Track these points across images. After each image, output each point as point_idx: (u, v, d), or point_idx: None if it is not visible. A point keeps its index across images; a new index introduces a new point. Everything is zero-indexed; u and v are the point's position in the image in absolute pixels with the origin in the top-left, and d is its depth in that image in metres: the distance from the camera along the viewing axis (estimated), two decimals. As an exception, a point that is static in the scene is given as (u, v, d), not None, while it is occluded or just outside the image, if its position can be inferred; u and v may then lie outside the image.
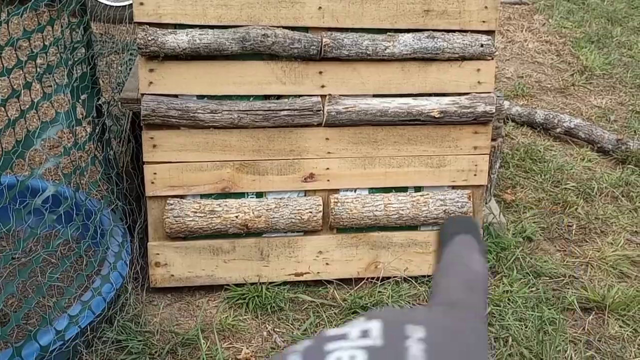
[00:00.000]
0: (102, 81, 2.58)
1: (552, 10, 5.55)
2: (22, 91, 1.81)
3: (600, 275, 2.57)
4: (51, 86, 2.03)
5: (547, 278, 2.53)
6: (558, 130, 3.58)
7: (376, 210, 2.36)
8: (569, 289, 2.48)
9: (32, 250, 2.06)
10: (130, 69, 2.82)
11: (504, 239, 2.65)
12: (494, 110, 2.35)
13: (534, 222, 2.83)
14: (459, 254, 1.01)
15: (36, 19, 1.93)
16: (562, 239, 2.79)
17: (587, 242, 2.78)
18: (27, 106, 1.86)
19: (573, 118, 3.63)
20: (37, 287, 1.91)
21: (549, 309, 2.34)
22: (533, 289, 2.45)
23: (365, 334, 0.72)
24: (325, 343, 0.71)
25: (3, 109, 1.79)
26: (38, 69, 1.87)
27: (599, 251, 2.68)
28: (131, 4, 4.45)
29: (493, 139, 2.56)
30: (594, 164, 3.34)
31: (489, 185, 2.71)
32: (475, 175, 2.43)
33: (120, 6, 4.38)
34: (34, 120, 1.97)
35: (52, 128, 1.92)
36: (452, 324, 0.78)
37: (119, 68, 3.42)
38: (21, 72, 1.83)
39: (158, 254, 2.29)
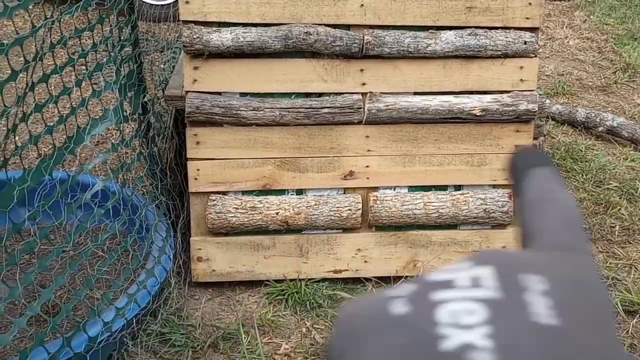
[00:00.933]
0: (146, 79, 2.63)
1: (594, 6, 5.44)
2: (73, 88, 1.86)
3: (644, 277, 2.52)
4: (98, 84, 2.08)
5: (590, 279, 2.49)
6: (600, 129, 3.52)
7: (415, 209, 2.36)
8: (612, 291, 2.44)
9: (81, 244, 2.12)
10: (174, 67, 2.87)
11: (545, 239, 2.61)
12: (536, 109, 2.32)
13: (575, 223, 2.78)
14: (546, 189, 0.87)
15: (86, 18, 1.98)
16: (605, 240, 2.74)
17: (630, 243, 2.72)
18: (77, 103, 1.91)
19: (615, 117, 3.55)
20: (86, 280, 1.96)
21: (592, 311, 2.30)
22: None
23: (476, 282, 0.62)
24: (430, 290, 0.63)
25: (55, 105, 1.84)
26: (88, 67, 1.92)
27: (643, 253, 2.63)
28: (173, 3, 4.53)
29: (534, 138, 2.52)
30: (638, 164, 3.27)
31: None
32: (516, 174, 2.39)
33: (163, 5, 4.46)
34: (83, 116, 2.01)
35: (101, 125, 1.97)
36: (573, 272, 0.66)
37: (162, 66, 3.48)
38: (72, 69, 1.88)
39: (200, 249, 2.33)
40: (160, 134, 2.48)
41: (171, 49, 3.47)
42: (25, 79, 1.57)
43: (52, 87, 1.83)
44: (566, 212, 0.83)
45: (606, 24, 5.08)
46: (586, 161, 3.25)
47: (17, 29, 1.46)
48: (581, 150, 3.35)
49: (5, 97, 1.49)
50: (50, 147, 1.79)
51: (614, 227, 2.80)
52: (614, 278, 2.50)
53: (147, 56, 3.54)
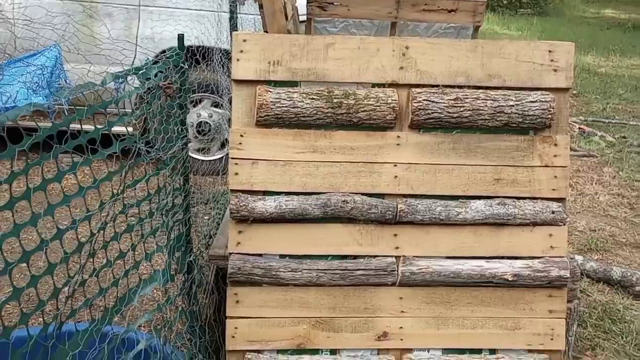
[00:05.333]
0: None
1: (622, 162, 5.60)
2: (129, 253, 2.02)
3: None
4: (149, 247, 2.24)
5: None
6: (637, 288, 3.50)
7: (450, 373, 2.35)
8: None
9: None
10: (218, 222, 3.05)
11: (586, 408, 2.53)
12: (568, 275, 2.38)
13: (618, 390, 2.70)
14: None
15: (146, 187, 2.19)
16: (651, 410, 2.63)
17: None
18: (130, 265, 2.06)
19: (652, 276, 3.54)
20: None
21: None
22: None
23: None
24: None
25: (110, 269, 1.98)
26: (143, 232, 2.09)
27: None
28: (219, 159, 4.87)
29: (569, 301, 2.55)
30: (679, 327, 3.21)
31: (566, 349, 2.65)
32: (552, 339, 2.40)
33: (211, 160, 4.83)
34: (133, 278, 2.15)
35: (150, 285, 2.10)
36: None
37: (205, 218, 3.69)
38: (128, 236, 2.05)
39: (234, 408, 2.34)
40: (202, 289, 2.60)
41: (217, 201, 3.69)
42: (88, 247, 1.73)
43: (109, 251, 1.98)
44: None
45: (636, 181, 5.21)
46: (625, 322, 3.20)
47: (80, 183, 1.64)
48: (619, 311, 3.31)
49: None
50: (101, 308, 1.91)
51: (659, 396, 2.70)
52: None
53: (192, 208, 3.77)
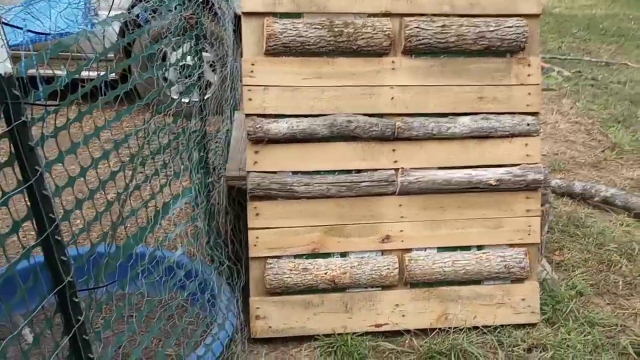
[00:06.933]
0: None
1: (578, 94, 6.04)
2: (160, 173, 2.27)
3: (649, 324, 2.83)
4: (173, 167, 2.49)
5: (601, 327, 2.80)
6: (596, 199, 3.93)
7: (445, 267, 2.71)
8: (622, 336, 2.75)
9: (163, 304, 2.43)
10: (220, 154, 3.29)
11: (557, 293, 2.95)
12: (542, 178, 2.74)
13: (583, 279, 3.13)
14: None
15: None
16: (610, 293, 3.07)
17: (633, 295, 3.06)
18: (163, 182, 2.31)
19: (609, 188, 3.98)
20: (173, 329, 2.28)
21: (605, 353, 2.61)
22: (589, 336, 2.72)
23: None
24: None
25: (138, 190, 2.22)
26: (172, 156, 2.34)
27: (646, 303, 2.96)
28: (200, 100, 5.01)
29: (541, 204, 2.93)
30: (633, 229, 3.66)
31: (540, 247, 3.05)
32: (529, 234, 2.78)
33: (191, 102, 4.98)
34: (164, 197, 2.40)
35: (180, 200, 2.36)
36: None
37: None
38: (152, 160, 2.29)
39: (258, 307, 2.65)
40: (219, 210, 2.87)
41: (215, 136, 3.90)
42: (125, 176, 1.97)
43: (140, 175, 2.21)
44: None
45: (591, 110, 5.65)
46: (587, 227, 3.63)
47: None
48: (581, 218, 3.74)
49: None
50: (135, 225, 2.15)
51: (617, 282, 3.14)
52: (622, 325, 2.82)
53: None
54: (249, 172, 2.61)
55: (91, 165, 1.73)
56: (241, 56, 2.61)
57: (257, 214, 2.63)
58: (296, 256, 2.68)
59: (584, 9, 11.24)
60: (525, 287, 2.78)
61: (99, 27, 1.74)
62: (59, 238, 1.48)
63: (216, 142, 3.72)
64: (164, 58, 3.19)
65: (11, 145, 1.34)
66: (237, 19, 3.92)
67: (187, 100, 2.62)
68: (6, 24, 1.22)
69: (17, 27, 1.39)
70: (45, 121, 1.42)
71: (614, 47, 8.34)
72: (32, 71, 1.41)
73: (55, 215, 1.46)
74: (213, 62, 5.00)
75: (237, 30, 3.71)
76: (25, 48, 1.55)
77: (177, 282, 2.30)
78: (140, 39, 2.03)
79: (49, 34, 1.67)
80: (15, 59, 1.31)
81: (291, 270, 2.63)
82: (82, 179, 1.70)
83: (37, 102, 1.33)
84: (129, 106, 1.90)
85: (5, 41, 1.21)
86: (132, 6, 5.03)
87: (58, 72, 1.51)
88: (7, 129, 1.30)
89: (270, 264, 2.64)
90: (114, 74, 3.96)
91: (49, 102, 1.37)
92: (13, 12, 1.74)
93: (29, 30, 1.59)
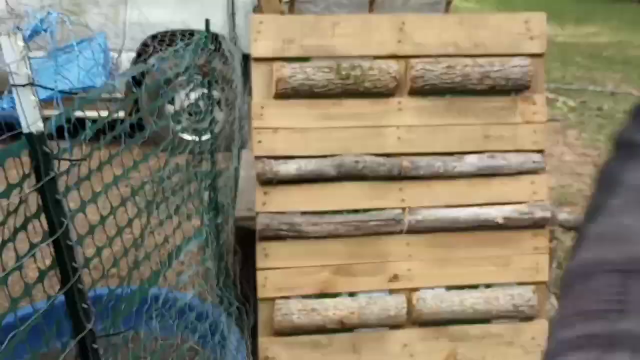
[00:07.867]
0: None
1: (584, 125, 6.07)
2: (172, 217, 2.30)
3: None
4: (184, 211, 2.52)
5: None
6: (604, 233, 3.92)
7: (453, 306, 2.71)
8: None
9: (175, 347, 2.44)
10: (226, 195, 3.33)
11: (568, 331, 2.93)
12: (549, 216, 2.75)
13: (593, 316, 3.11)
14: None
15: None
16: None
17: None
18: (174, 226, 2.34)
19: (617, 221, 3.98)
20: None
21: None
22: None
23: None
24: None
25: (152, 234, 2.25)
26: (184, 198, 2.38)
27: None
28: (208, 139, 5.07)
29: (550, 240, 2.93)
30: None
31: (548, 283, 3.04)
32: (537, 272, 2.78)
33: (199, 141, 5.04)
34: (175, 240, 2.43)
35: (192, 242, 2.39)
36: None
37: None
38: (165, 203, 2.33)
39: (267, 348, 2.65)
40: (228, 250, 2.89)
41: (220, 176, 3.95)
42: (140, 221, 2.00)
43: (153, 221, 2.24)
44: None
45: (597, 141, 5.67)
46: (596, 262, 3.62)
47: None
48: (590, 252, 3.73)
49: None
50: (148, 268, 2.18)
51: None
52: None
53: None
54: (258, 213, 2.63)
55: (110, 214, 1.77)
56: (249, 95, 2.67)
57: (266, 255, 2.65)
58: (304, 296, 2.69)
59: (587, 37, 11.34)
60: (535, 325, 2.77)
61: (119, 81, 1.80)
62: (81, 286, 1.51)
63: (224, 182, 3.76)
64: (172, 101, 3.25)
65: (39, 198, 1.37)
66: (245, 58, 4.00)
67: (197, 139, 2.66)
68: (39, 86, 1.27)
69: (49, 88, 1.45)
70: (69, 174, 1.46)
71: (619, 76, 8.39)
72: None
73: (78, 265, 1.49)
74: (219, 100, 5.07)
75: (245, 70, 3.78)
76: (56, 103, 1.60)
77: (188, 324, 2.31)
78: (161, 92, 2.09)
79: (76, 93, 1.72)
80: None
81: (300, 310, 2.64)
82: (101, 226, 1.73)
83: (65, 158, 1.37)
84: (145, 154, 1.95)
85: (37, 102, 1.25)
86: (139, 54, 5.13)
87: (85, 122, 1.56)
88: (37, 185, 1.34)
89: (279, 304, 2.65)
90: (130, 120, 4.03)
91: (74, 159, 1.42)
92: (40, 63, 1.80)
93: (60, 91, 1.65)
